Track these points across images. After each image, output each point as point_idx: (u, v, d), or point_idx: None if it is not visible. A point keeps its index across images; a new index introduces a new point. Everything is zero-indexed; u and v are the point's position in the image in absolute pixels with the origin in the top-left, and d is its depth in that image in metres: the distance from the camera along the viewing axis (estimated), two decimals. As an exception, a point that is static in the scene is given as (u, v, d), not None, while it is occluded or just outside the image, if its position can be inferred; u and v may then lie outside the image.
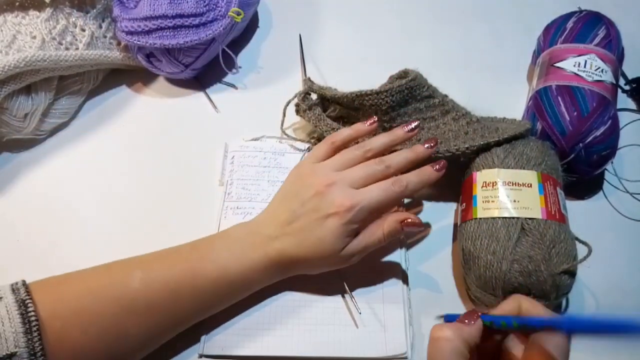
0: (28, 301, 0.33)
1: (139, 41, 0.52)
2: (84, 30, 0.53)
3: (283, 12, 0.66)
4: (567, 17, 0.55)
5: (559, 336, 0.31)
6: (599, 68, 0.49)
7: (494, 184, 0.43)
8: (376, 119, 0.46)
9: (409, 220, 0.41)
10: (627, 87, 0.58)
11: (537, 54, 0.57)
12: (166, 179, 0.52)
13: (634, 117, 0.56)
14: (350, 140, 0.46)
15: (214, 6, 0.53)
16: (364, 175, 0.42)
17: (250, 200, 0.49)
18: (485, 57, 0.52)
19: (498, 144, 0.46)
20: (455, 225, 0.49)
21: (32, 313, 0.33)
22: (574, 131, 0.46)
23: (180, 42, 0.52)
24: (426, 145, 0.44)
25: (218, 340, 0.42)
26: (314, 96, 0.52)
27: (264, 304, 0.44)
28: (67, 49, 0.51)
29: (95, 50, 0.53)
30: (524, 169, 0.43)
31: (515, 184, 0.43)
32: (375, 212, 0.41)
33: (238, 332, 0.42)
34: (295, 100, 0.52)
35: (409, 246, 0.47)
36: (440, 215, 0.50)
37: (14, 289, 0.34)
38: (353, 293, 0.44)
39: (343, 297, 0.44)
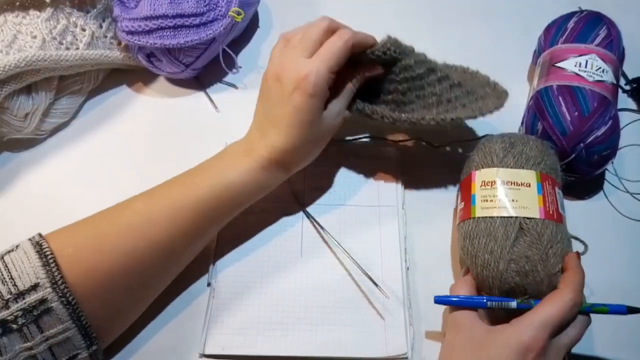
0: (42, 241, 0.37)
1: (139, 41, 0.52)
2: (84, 30, 0.53)
3: (283, 12, 0.66)
4: (567, 17, 0.55)
5: None
6: (599, 68, 0.49)
7: (493, 183, 0.43)
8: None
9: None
10: (627, 87, 0.58)
11: (537, 53, 0.57)
12: (166, 178, 0.52)
13: (634, 117, 0.56)
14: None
15: (215, 6, 0.53)
16: (317, 37, 0.43)
17: (251, 200, 0.49)
18: (485, 57, 0.52)
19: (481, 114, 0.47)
20: (453, 224, 0.49)
21: (47, 248, 0.36)
22: (574, 131, 0.46)
23: (181, 42, 0.52)
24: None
25: (219, 340, 0.42)
26: None
27: (264, 304, 0.44)
28: (67, 48, 0.51)
29: (96, 50, 0.53)
30: (523, 168, 0.43)
31: (514, 183, 0.43)
32: (336, 68, 0.42)
33: (238, 332, 0.43)
34: None
35: (409, 245, 0.47)
36: (439, 215, 0.50)
37: (29, 238, 0.38)
38: (354, 292, 0.44)
39: (360, 289, 0.44)
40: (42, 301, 0.35)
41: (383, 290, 0.43)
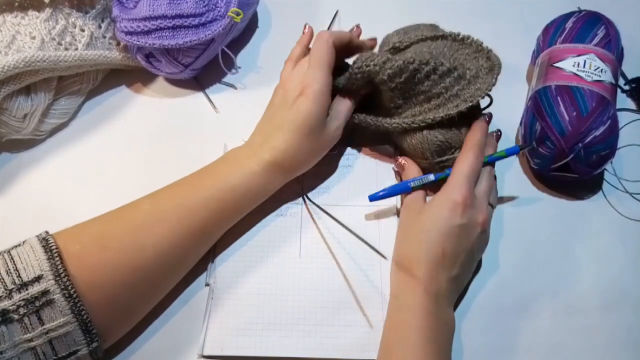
0: (48, 237, 0.38)
1: (138, 41, 0.52)
2: (83, 30, 0.53)
3: (283, 12, 0.66)
4: (566, 17, 0.55)
5: None
6: (598, 68, 0.49)
7: None
8: (308, 27, 0.53)
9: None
10: (626, 87, 0.58)
11: (536, 54, 0.57)
12: (166, 179, 0.51)
13: (633, 117, 0.56)
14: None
15: (214, 6, 0.53)
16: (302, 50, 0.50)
17: (250, 201, 0.49)
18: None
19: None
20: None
21: (53, 243, 0.37)
22: (573, 131, 0.46)
23: (180, 42, 0.52)
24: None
25: (218, 341, 0.42)
26: None
27: (263, 305, 0.44)
28: (66, 49, 0.51)
29: (95, 51, 0.53)
30: None
31: None
32: (330, 71, 0.46)
33: (238, 332, 0.43)
34: None
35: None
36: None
37: (37, 235, 0.38)
38: (353, 293, 0.44)
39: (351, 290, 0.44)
40: (44, 293, 0.35)
41: (380, 252, 0.43)
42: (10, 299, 0.35)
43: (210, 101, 0.57)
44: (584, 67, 0.49)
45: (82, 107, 0.57)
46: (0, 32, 0.49)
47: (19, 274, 0.35)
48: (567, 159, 0.47)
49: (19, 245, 0.38)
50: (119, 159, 0.53)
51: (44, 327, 0.35)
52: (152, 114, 0.56)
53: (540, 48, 0.55)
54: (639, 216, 0.50)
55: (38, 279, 0.35)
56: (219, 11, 0.53)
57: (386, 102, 0.48)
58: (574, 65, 0.50)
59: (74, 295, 0.36)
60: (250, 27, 0.63)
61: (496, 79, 0.47)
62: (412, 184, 0.46)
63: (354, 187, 0.51)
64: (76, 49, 0.52)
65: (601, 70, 0.49)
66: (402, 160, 0.49)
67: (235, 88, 0.59)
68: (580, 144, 0.46)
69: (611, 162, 0.49)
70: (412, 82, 0.46)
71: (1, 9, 0.50)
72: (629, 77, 0.58)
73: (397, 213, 0.49)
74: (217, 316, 0.43)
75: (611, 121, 0.47)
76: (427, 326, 0.39)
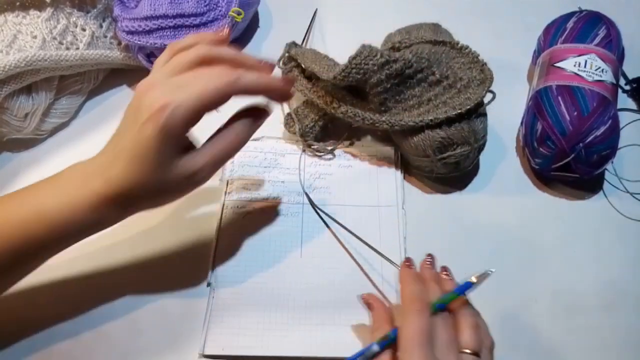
0: None
1: (139, 41, 0.52)
2: (84, 30, 0.53)
3: (283, 12, 0.66)
4: (567, 17, 0.55)
5: None
6: (599, 68, 0.49)
7: None
8: (226, 32, 0.45)
9: (263, 110, 0.37)
10: (627, 87, 0.58)
11: (537, 53, 0.57)
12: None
13: (634, 117, 0.56)
14: (191, 45, 0.37)
15: (215, 6, 0.53)
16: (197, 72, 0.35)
17: (251, 200, 0.49)
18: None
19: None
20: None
21: None
22: (574, 131, 0.46)
23: (181, 42, 0.52)
24: (283, 83, 0.38)
25: (218, 340, 0.42)
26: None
27: (264, 304, 0.44)
28: (67, 48, 0.51)
29: (96, 50, 0.53)
30: None
31: None
32: (205, 109, 0.34)
33: (238, 332, 0.43)
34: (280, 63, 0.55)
35: (409, 245, 0.47)
36: (439, 215, 0.50)
37: None
38: (353, 293, 0.44)
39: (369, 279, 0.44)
40: None
41: (393, 262, 0.43)
42: None
43: (211, 101, 0.57)
44: (585, 67, 0.49)
45: (83, 107, 0.57)
46: (2, 31, 0.49)
47: None
48: (568, 159, 0.47)
49: None
50: (120, 158, 0.53)
51: None
52: (153, 113, 0.56)
53: (541, 48, 0.55)
54: (639, 216, 0.50)
55: None
56: (220, 11, 0.54)
57: (375, 105, 0.48)
58: (575, 65, 0.50)
59: None
60: (251, 26, 0.63)
61: (486, 92, 0.48)
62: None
63: (354, 187, 0.51)
64: (77, 49, 0.52)
65: (602, 70, 0.49)
66: (368, 299, 0.41)
67: (236, 88, 0.59)
68: (581, 144, 0.46)
69: (612, 162, 0.49)
70: (404, 85, 0.47)
71: (2, 8, 0.50)
72: (630, 77, 0.58)
73: (399, 213, 0.49)
74: (218, 315, 0.43)
75: (612, 121, 0.47)
76: None
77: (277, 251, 0.47)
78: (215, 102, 0.35)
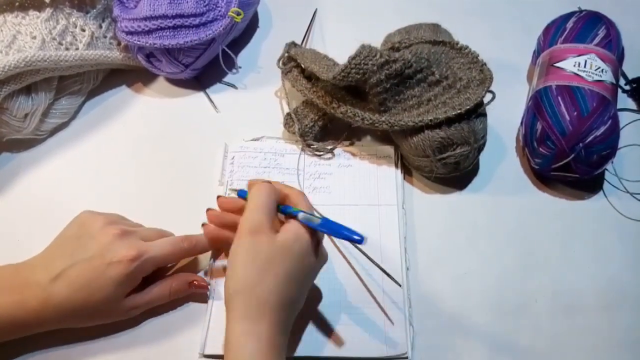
0: None
1: (139, 41, 0.52)
2: (84, 30, 0.53)
3: (283, 12, 0.66)
4: (567, 17, 0.55)
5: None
6: (599, 68, 0.49)
7: None
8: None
9: (196, 282, 0.43)
10: (627, 87, 0.58)
11: (537, 53, 0.57)
12: (166, 179, 0.52)
13: (634, 117, 0.56)
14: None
15: (214, 6, 0.53)
16: (160, 235, 0.43)
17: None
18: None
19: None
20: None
21: None
22: (574, 131, 0.46)
23: (180, 42, 0.52)
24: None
25: (219, 340, 0.42)
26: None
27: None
28: (67, 49, 0.51)
29: (96, 51, 0.53)
30: None
31: None
32: (162, 265, 0.42)
33: (238, 332, 0.42)
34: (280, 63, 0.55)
35: (409, 245, 0.47)
36: (439, 215, 0.50)
37: None
38: (352, 293, 0.44)
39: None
40: None
41: (394, 278, 0.43)
42: None
43: (211, 101, 0.57)
44: (584, 67, 0.49)
45: (82, 107, 0.57)
46: (1, 32, 0.49)
47: None
48: (567, 159, 0.47)
49: None
50: (119, 158, 0.53)
51: None
52: (153, 113, 0.56)
53: (541, 48, 0.55)
54: (639, 216, 0.50)
55: None
56: (219, 11, 0.54)
57: (375, 105, 0.48)
58: (574, 65, 0.50)
59: None
60: (251, 26, 0.63)
61: (486, 92, 0.48)
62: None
63: (354, 186, 0.51)
64: (77, 49, 0.52)
65: (602, 70, 0.49)
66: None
67: (236, 88, 0.59)
68: (581, 144, 0.46)
69: (612, 162, 0.49)
70: (404, 85, 0.48)
71: (2, 8, 0.50)
72: (630, 77, 0.58)
73: (399, 213, 0.49)
74: (218, 315, 0.43)
75: (612, 121, 0.47)
76: None
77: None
78: (175, 260, 0.44)
